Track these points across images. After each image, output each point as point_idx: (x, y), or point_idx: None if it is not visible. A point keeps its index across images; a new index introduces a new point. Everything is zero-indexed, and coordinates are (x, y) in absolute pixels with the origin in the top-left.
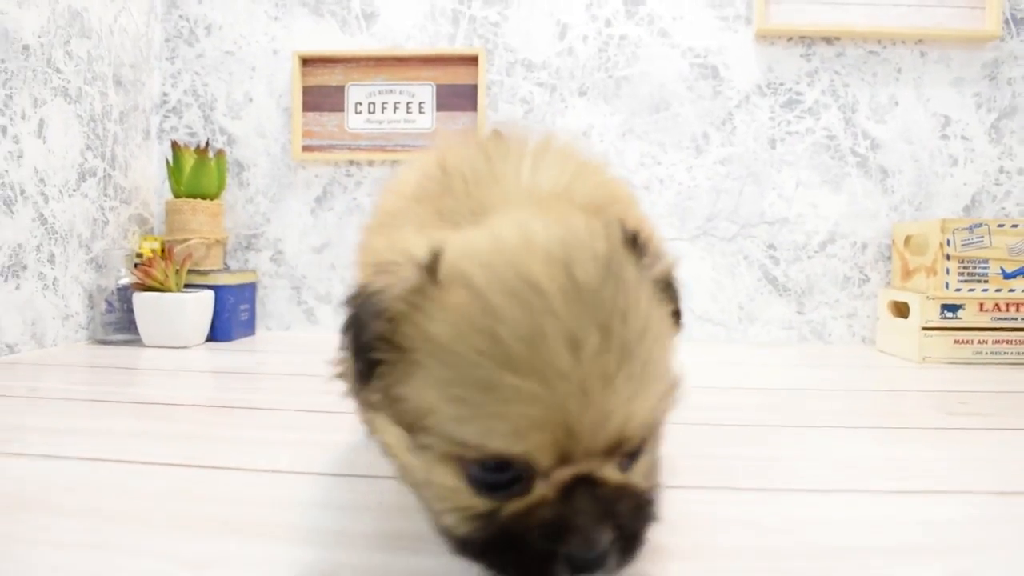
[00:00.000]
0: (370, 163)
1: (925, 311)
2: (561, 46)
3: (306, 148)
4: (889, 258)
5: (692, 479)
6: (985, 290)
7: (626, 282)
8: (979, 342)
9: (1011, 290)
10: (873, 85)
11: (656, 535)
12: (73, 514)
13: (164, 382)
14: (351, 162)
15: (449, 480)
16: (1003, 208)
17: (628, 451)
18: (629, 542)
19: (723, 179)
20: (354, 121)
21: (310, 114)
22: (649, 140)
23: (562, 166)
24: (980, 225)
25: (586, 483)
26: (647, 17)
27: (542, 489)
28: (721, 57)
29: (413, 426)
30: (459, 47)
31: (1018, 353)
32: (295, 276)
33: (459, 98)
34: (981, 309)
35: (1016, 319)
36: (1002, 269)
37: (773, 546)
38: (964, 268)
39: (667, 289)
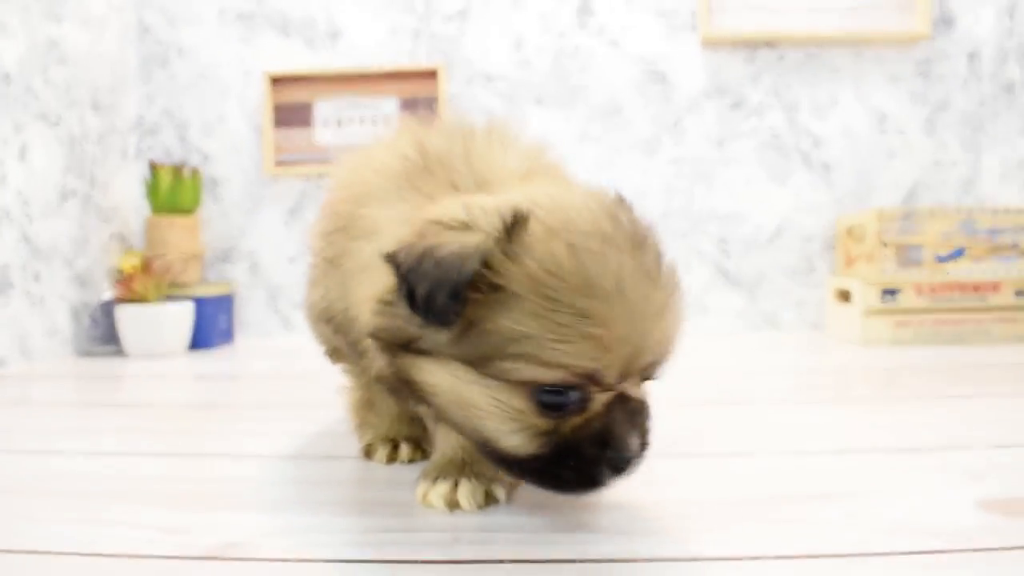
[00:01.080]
0: None
1: (866, 296)
2: (518, 57)
3: (278, 163)
4: (834, 248)
5: None
6: (921, 273)
7: (652, 231)
8: (917, 323)
9: (945, 273)
10: (813, 85)
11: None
12: (67, 495)
13: (149, 386)
14: (321, 175)
15: (518, 403)
16: (939, 197)
17: (656, 371)
18: (645, 445)
19: (675, 179)
20: (322, 135)
21: (281, 130)
22: (604, 144)
23: (518, 147)
24: (913, 213)
25: (621, 400)
26: (598, 28)
27: (595, 406)
28: (669, 64)
29: (494, 356)
30: (420, 62)
31: (955, 332)
32: (271, 286)
33: (422, 110)
34: (918, 292)
35: (951, 300)
36: (936, 253)
37: (698, 498)
38: (900, 254)
39: None
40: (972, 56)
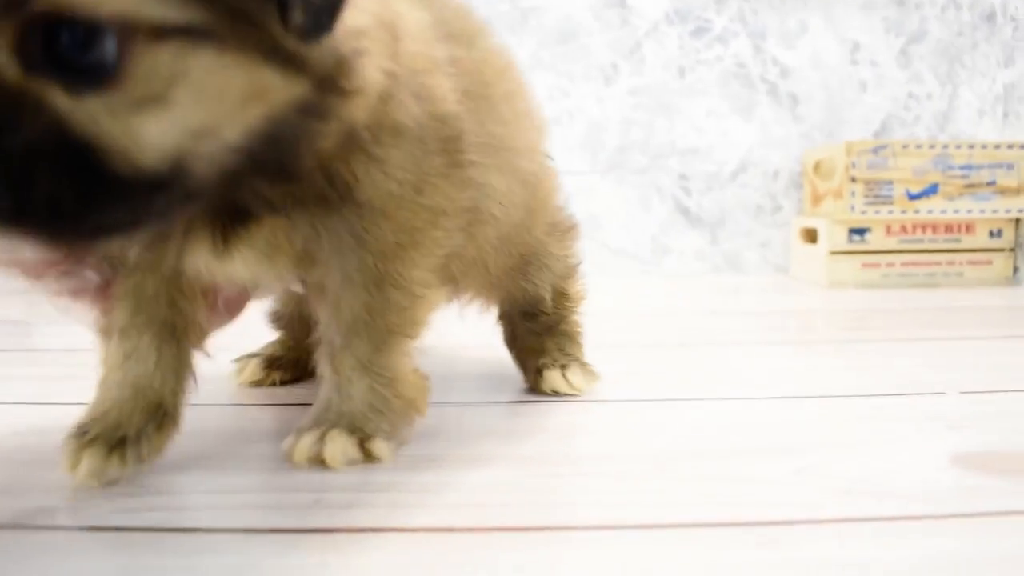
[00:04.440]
0: None
1: (832, 236)
2: None
3: None
4: (801, 186)
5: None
6: (891, 212)
7: None
8: (886, 265)
9: (916, 211)
10: (782, 11)
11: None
12: None
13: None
14: None
15: None
16: (912, 133)
17: (51, 25)
18: (27, 184)
19: (633, 110)
20: None
21: None
22: (557, 72)
23: None
24: (884, 147)
25: None
26: None
27: None
28: None
29: None
30: None
31: (926, 275)
32: None
33: None
34: (888, 232)
35: (922, 241)
36: (907, 191)
37: (623, 452)
38: (869, 190)
39: None
40: None
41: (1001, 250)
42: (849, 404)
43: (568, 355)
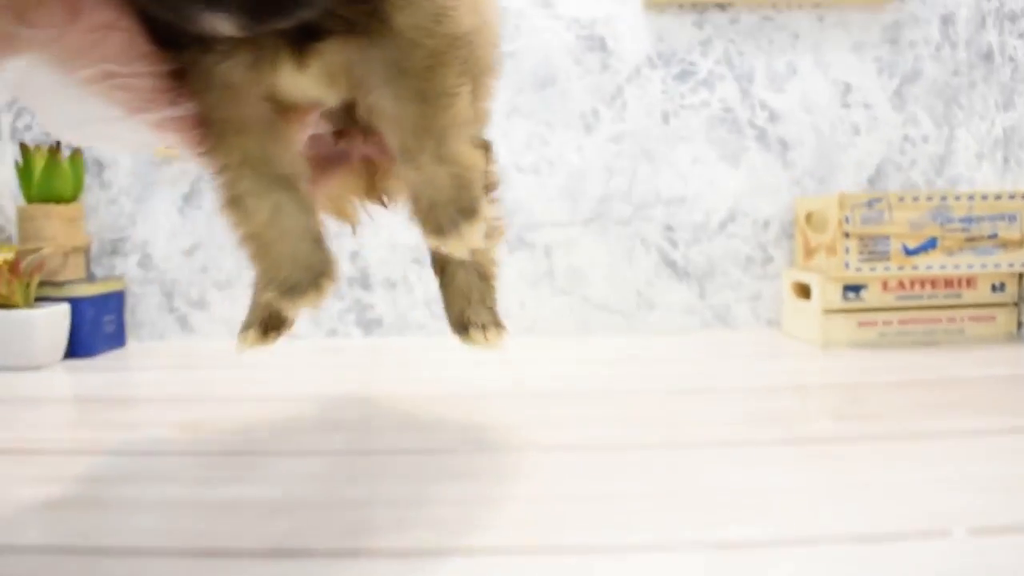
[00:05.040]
0: None
1: (826, 294)
2: None
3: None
4: (792, 236)
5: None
6: (887, 268)
7: None
8: (883, 323)
9: (914, 267)
10: (769, 53)
11: None
12: None
13: (17, 415)
14: None
15: None
16: (909, 178)
17: None
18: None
19: (615, 158)
20: None
21: None
22: (536, 119)
23: None
24: (880, 199)
25: None
26: None
27: None
28: (609, 28)
29: None
30: None
31: (925, 332)
32: (165, 281)
33: None
34: (884, 288)
35: (921, 297)
36: (904, 246)
37: None
38: (864, 246)
39: None
40: (946, 20)
41: (1004, 304)
42: (836, 554)
43: (488, 309)
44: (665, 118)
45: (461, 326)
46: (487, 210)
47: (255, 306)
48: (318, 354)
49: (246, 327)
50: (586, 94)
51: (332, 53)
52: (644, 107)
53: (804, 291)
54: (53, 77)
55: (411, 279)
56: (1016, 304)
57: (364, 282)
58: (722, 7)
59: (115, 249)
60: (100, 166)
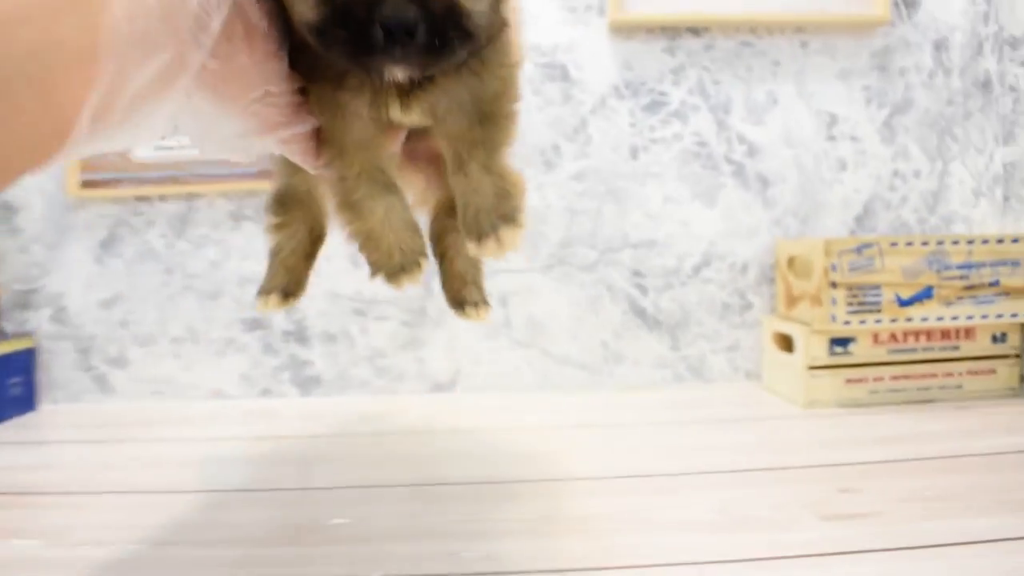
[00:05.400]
0: (162, 198)
1: (810, 348)
2: None
3: (86, 184)
4: (773, 280)
5: None
6: (879, 321)
7: None
8: (874, 380)
9: (908, 319)
10: (748, 81)
11: None
12: None
13: None
14: (139, 198)
15: None
16: (899, 216)
17: None
18: (438, 26)
19: (579, 198)
20: (142, 149)
21: None
22: None
23: None
24: (870, 245)
25: None
26: None
27: None
28: (571, 55)
29: None
30: None
31: (919, 389)
32: (81, 337)
33: None
34: (875, 342)
35: (915, 351)
36: (897, 296)
37: None
38: (853, 296)
39: None
40: (939, 45)
41: (1006, 356)
42: None
43: (479, 289)
44: (633, 153)
45: (459, 304)
46: (526, 220)
47: (275, 272)
48: (251, 417)
49: (267, 291)
50: (546, 128)
51: (428, 95)
52: (610, 141)
53: (786, 341)
54: (207, 98)
55: (352, 332)
56: (1019, 356)
57: (300, 336)
58: (696, 32)
59: (26, 302)
60: (10, 210)
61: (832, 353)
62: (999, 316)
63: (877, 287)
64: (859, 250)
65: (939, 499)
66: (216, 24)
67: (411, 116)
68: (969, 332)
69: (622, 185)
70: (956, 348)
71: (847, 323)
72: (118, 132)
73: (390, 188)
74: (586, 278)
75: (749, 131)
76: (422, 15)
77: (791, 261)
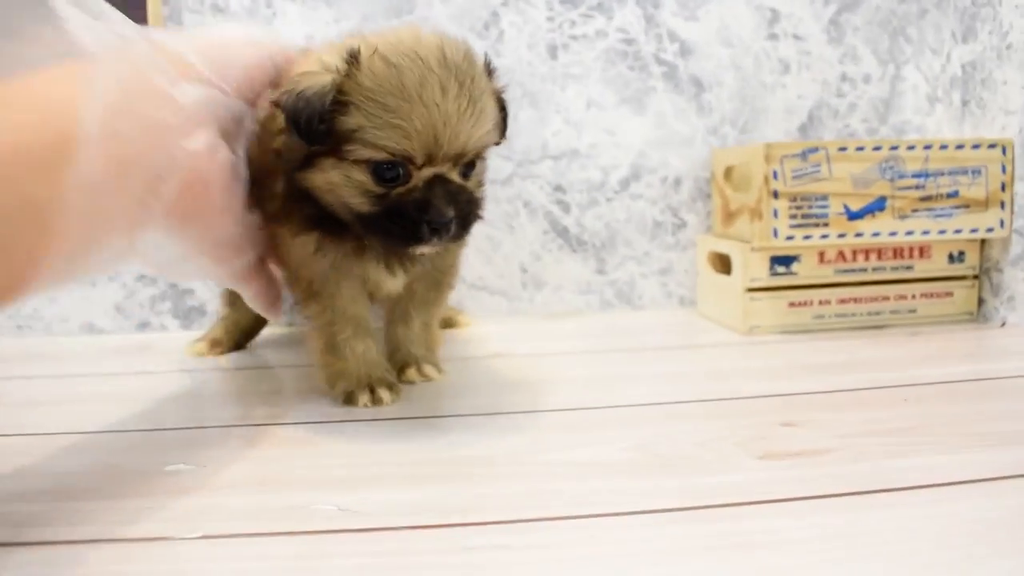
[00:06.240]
0: None
1: (750, 268)
2: None
3: None
4: (709, 196)
5: None
6: (825, 236)
7: (476, 66)
8: (820, 303)
9: (858, 234)
10: None
11: None
12: None
13: None
14: None
15: (360, 176)
16: (847, 125)
17: (466, 162)
18: (464, 220)
19: None
20: None
21: None
22: None
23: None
24: (816, 150)
25: (440, 180)
26: None
27: (415, 181)
28: None
29: (345, 145)
30: None
31: (869, 313)
32: None
33: (129, 8)
34: (821, 260)
35: (865, 270)
36: (846, 207)
37: None
38: (798, 208)
39: (499, 103)
40: None
41: (963, 278)
42: None
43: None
44: (552, 52)
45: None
46: (439, 364)
47: (216, 329)
48: (125, 352)
49: (201, 339)
50: (451, 22)
51: (418, 265)
52: (525, 38)
53: (724, 263)
54: (177, 246)
55: None
56: (976, 277)
57: None
58: None
59: None
60: None
61: (774, 273)
62: (957, 231)
63: (824, 197)
64: (804, 155)
65: (894, 433)
66: (170, 187)
67: (396, 281)
68: (924, 250)
69: (539, 88)
70: (910, 268)
71: (790, 238)
72: (67, 279)
73: (369, 332)
74: (500, 193)
75: (681, 27)
76: (456, 211)
77: (728, 172)
